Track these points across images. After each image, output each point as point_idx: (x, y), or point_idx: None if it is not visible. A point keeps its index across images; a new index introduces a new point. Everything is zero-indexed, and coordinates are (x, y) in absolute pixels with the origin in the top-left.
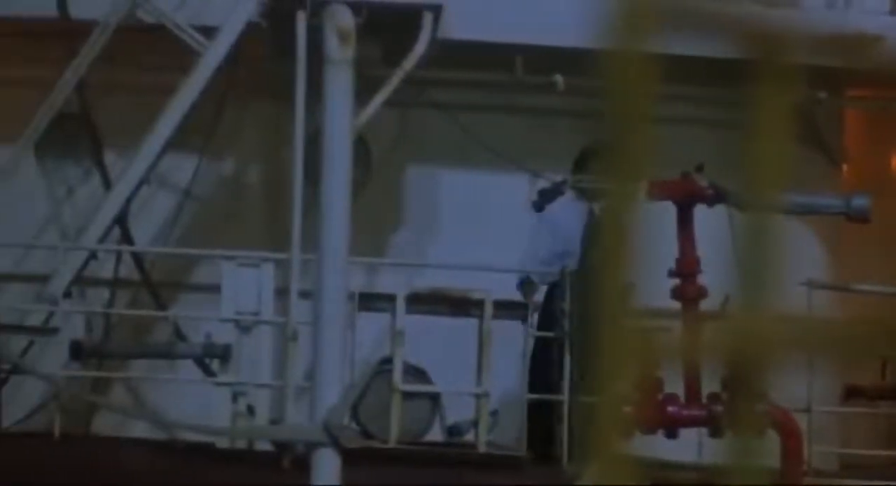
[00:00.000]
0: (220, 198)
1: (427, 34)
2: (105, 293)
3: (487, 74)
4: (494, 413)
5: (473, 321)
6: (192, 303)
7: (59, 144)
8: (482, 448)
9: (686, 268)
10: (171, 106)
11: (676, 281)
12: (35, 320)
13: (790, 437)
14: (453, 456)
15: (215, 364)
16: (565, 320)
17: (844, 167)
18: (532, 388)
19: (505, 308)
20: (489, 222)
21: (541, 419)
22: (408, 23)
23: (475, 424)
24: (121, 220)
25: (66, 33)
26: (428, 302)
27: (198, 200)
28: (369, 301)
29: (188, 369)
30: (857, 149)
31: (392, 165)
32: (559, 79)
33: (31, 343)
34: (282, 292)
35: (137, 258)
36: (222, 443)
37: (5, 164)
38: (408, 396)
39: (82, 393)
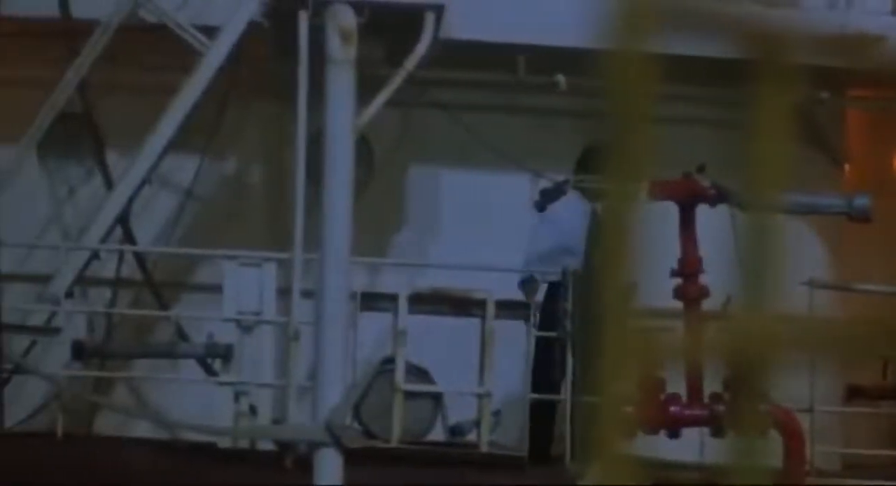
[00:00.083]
0: (222, 198)
1: (429, 34)
2: (107, 293)
3: (489, 74)
4: (497, 413)
5: (475, 321)
6: (194, 303)
7: (61, 143)
8: (484, 448)
9: (688, 268)
10: (173, 106)
11: (678, 281)
12: (37, 319)
13: (792, 437)
14: (455, 456)
15: (217, 364)
16: (567, 320)
17: (846, 167)
18: (533, 387)
19: (507, 308)
20: (491, 222)
21: (542, 418)
22: (410, 23)
23: (477, 424)
24: (123, 220)
25: (67, 33)
26: (430, 302)
27: (200, 199)
28: (371, 301)
29: (190, 368)
30: (859, 149)
31: (394, 164)
32: (561, 79)
33: (33, 343)
34: (284, 292)
35: (139, 258)
36: (224, 443)
37: (8, 164)
38: (410, 396)
39: (84, 393)
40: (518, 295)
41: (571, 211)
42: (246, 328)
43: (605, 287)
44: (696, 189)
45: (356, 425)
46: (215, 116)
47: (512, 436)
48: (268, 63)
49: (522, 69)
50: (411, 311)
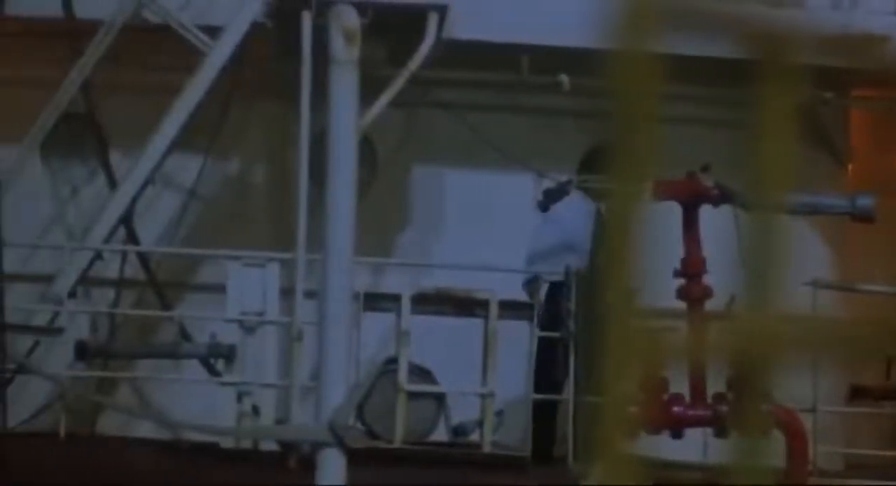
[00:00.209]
0: (225, 198)
1: (432, 34)
2: (110, 293)
3: (493, 74)
4: (499, 413)
5: (479, 321)
6: (198, 303)
7: (64, 143)
8: (487, 448)
9: (691, 268)
10: (177, 106)
11: (682, 281)
12: (40, 319)
13: (795, 437)
14: (458, 456)
15: (220, 364)
16: (570, 320)
17: (849, 167)
18: (535, 388)
19: (510, 308)
20: (495, 222)
21: (544, 418)
22: (413, 23)
23: (480, 424)
24: (126, 220)
25: (71, 33)
26: (433, 302)
27: (203, 200)
28: (374, 301)
29: (193, 369)
30: (863, 149)
31: (397, 165)
32: (565, 79)
33: (36, 343)
34: (287, 292)
35: (143, 258)
36: (227, 443)
37: (11, 163)
38: (413, 396)
39: (87, 393)
40: (521, 295)
41: (575, 211)
42: (249, 329)
43: (608, 287)
44: (699, 189)
45: (359, 425)
46: (218, 116)
47: (515, 436)
48: (271, 63)
49: (526, 69)
50: (414, 311)
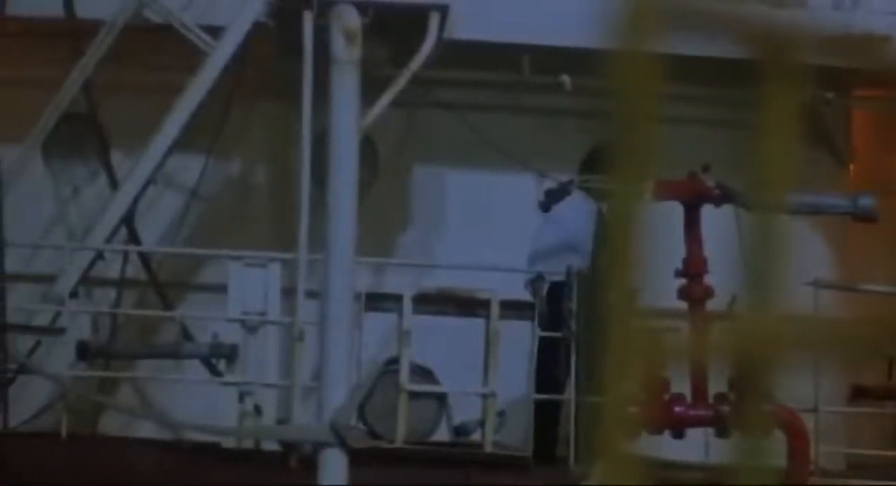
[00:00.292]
0: (226, 198)
1: (434, 34)
2: (112, 293)
3: (494, 74)
4: (501, 413)
5: (480, 321)
6: (199, 303)
7: (65, 143)
8: (489, 448)
9: (693, 268)
10: (178, 106)
11: (683, 281)
12: (42, 319)
13: (797, 437)
14: (460, 456)
15: (222, 364)
16: (571, 320)
17: (851, 167)
18: (537, 388)
19: (512, 308)
20: (496, 222)
21: (546, 418)
22: (414, 23)
23: (482, 424)
24: (127, 220)
25: (72, 33)
26: (435, 302)
27: (204, 200)
28: (376, 301)
29: (195, 369)
30: (864, 149)
31: (399, 165)
32: (566, 79)
33: (37, 343)
34: (288, 292)
35: (144, 258)
36: (229, 443)
37: (12, 164)
38: (414, 396)
39: (89, 393)
40: (523, 295)
41: (576, 211)
42: (250, 329)
43: (610, 287)
44: (701, 189)
45: (361, 425)
46: (220, 116)
47: (516, 436)
48: (272, 63)
49: (527, 69)
50: (416, 311)
